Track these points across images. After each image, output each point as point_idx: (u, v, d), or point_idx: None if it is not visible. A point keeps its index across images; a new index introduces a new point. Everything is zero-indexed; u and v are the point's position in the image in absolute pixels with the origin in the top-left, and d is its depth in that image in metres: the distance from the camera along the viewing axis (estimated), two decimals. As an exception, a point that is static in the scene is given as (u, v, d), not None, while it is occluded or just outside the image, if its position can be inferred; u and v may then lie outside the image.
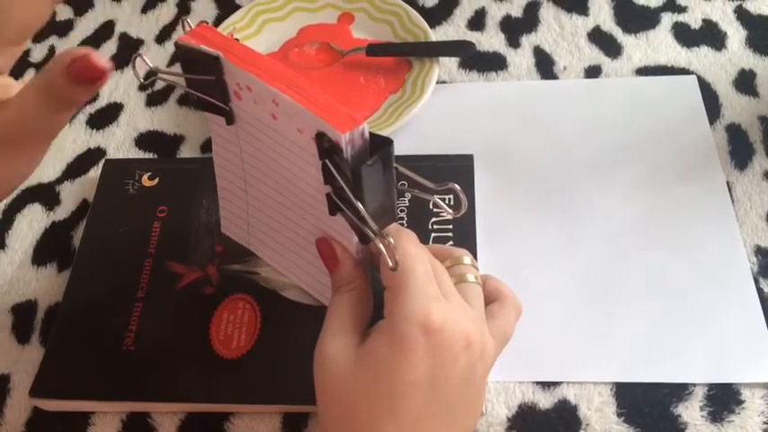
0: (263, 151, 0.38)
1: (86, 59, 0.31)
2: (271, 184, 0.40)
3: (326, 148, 0.33)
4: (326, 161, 0.34)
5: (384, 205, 0.36)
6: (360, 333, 0.37)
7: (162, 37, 0.70)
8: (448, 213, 0.39)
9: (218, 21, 0.69)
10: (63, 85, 0.31)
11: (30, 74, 0.68)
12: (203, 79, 0.36)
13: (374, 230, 0.35)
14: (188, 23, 0.36)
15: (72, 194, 0.58)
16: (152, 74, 0.36)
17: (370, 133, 0.33)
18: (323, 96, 0.33)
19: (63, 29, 0.72)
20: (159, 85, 0.65)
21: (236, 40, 0.38)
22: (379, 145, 0.33)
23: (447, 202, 0.48)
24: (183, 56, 0.36)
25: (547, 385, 0.45)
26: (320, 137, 0.33)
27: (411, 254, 0.35)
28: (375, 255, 0.35)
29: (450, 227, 0.50)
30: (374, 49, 0.63)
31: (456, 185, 0.38)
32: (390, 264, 0.35)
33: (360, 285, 0.38)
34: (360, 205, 0.34)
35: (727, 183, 0.53)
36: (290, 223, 0.41)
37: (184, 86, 0.38)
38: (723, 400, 0.44)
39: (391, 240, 0.35)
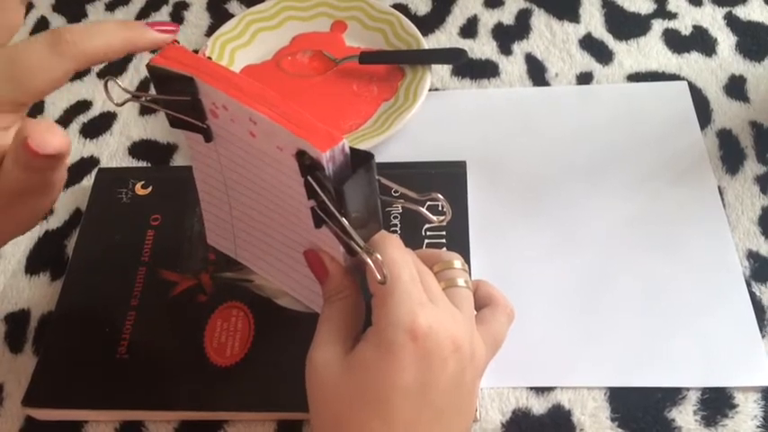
0: (244, 166, 0.38)
1: (27, 147, 0.30)
2: (254, 197, 0.40)
3: (308, 165, 0.33)
4: (309, 177, 0.34)
5: (369, 216, 0.36)
6: (351, 341, 0.37)
7: (155, 46, 0.70)
8: (431, 221, 0.39)
9: (212, 30, 0.69)
10: (19, 172, 0.31)
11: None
12: (178, 100, 0.36)
13: (360, 245, 0.35)
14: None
15: (65, 203, 0.58)
16: (128, 97, 0.37)
17: (351, 148, 0.33)
18: (301, 114, 0.32)
19: (56, 38, 0.72)
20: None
21: (209, 58, 0.37)
22: (360, 159, 0.33)
23: (440, 208, 0.48)
24: (156, 77, 0.36)
25: (541, 390, 0.45)
26: (301, 155, 0.33)
27: (396, 260, 0.35)
28: (363, 262, 0.35)
29: (444, 233, 0.50)
30: (367, 57, 0.63)
31: (440, 195, 0.38)
32: (379, 278, 0.35)
33: (350, 293, 0.38)
34: (344, 220, 0.34)
35: (719, 188, 0.53)
36: (277, 234, 0.41)
37: (159, 107, 0.38)
38: (716, 404, 0.44)
39: (378, 256, 0.35)
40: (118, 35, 0.33)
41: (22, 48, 0.31)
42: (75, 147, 0.62)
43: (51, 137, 0.31)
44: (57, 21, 0.74)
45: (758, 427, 0.43)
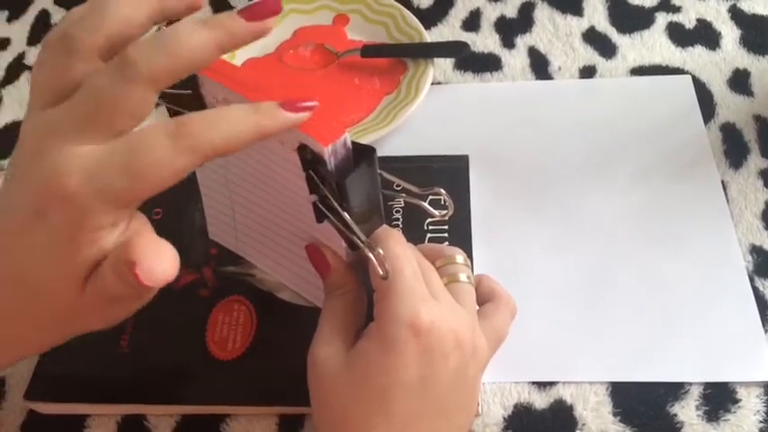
0: (245, 161, 0.38)
1: (131, 272, 0.28)
2: (255, 192, 0.40)
3: (309, 159, 0.33)
4: (310, 172, 0.33)
5: (371, 211, 0.36)
6: (352, 336, 0.37)
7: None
8: (433, 215, 0.39)
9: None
10: (118, 283, 0.29)
11: (25, 76, 0.68)
12: (179, 93, 0.36)
13: (362, 240, 0.35)
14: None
15: (67, 197, 0.58)
16: None
17: (353, 142, 0.33)
18: None
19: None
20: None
21: None
22: (362, 153, 0.33)
23: (443, 202, 0.48)
24: None
25: (543, 385, 0.45)
26: (302, 149, 0.33)
27: (398, 255, 0.35)
28: (365, 257, 0.35)
29: (446, 227, 0.50)
30: (369, 51, 0.63)
31: (442, 189, 0.38)
32: (381, 273, 0.34)
33: (352, 289, 0.38)
34: (346, 215, 0.34)
35: (722, 182, 0.53)
36: (278, 228, 0.41)
37: (161, 101, 0.37)
38: (719, 399, 0.44)
39: (380, 251, 0.35)
40: (246, 122, 0.29)
41: (140, 139, 0.28)
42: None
43: (159, 264, 0.28)
44: (59, 15, 0.74)
45: (761, 422, 0.43)
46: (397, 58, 0.63)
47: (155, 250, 0.29)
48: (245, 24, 0.30)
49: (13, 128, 0.62)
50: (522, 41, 0.65)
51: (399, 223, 0.50)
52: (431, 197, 0.39)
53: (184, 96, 0.36)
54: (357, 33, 0.66)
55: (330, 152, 0.32)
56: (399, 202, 0.51)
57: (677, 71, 0.61)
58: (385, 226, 0.38)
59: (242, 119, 0.29)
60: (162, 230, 0.51)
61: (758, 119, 0.57)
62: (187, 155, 0.28)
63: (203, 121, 0.29)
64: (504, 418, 0.44)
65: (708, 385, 0.44)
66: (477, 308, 0.40)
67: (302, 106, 0.31)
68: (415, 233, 0.49)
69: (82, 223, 0.28)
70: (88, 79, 0.29)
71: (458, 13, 0.68)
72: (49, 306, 0.31)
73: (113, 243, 0.29)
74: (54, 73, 0.30)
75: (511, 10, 0.67)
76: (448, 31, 0.66)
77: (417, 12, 0.67)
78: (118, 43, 0.30)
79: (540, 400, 0.45)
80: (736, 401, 0.43)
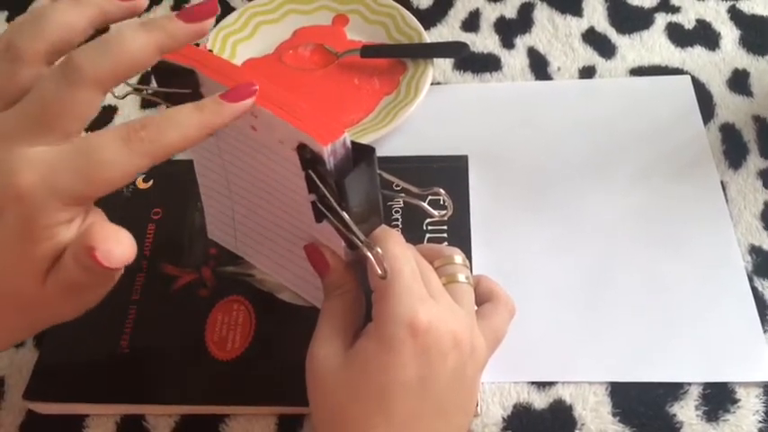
0: (245, 160, 0.38)
1: (90, 256, 0.29)
2: (255, 192, 0.40)
3: (309, 158, 0.33)
4: (309, 171, 0.33)
5: (370, 210, 0.36)
6: (351, 336, 0.37)
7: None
8: (432, 216, 0.39)
9: (213, 23, 0.69)
10: (79, 272, 0.30)
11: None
12: (180, 93, 0.36)
13: (361, 240, 0.35)
14: None
15: (66, 197, 0.58)
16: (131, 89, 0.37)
17: (352, 141, 0.33)
18: (302, 107, 0.32)
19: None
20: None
21: (210, 51, 0.37)
22: (362, 153, 0.33)
23: (442, 202, 0.48)
24: (158, 70, 0.36)
25: (542, 385, 0.45)
26: (302, 148, 0.33)
27: (397, 255, 0.35)
28: (364, 257, 0.35)
29: (445, 227, 0.50)
30: (369, 51, 0.63)
31: (441, 190, 0.38)
32: (379, 272, 0.35)
33: (351, 289, 0.38)
34: (345, 215, 0.34)
35: (722, 182, 0.53)
36: (278, 228, 0.41)
37: (161, 101, 0.37)
38: (718, 399, 0.44)
39: (379, 250, 0.35)
40: (192, 122, 0.31)
41: (94, 141, 0.30)
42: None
43: (117, 247, 0.29)
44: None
45: (760, 422, 0.43)
46: (396, 59, 0.63)
47: (112, 235, 0.30)
48: (184, 26, 0.32)
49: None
50: (522, 42, 0.65)
51: (398, 223, 0.51)
52: (430, 197, 0.39)
53: (184, 95, 0.36)
54: (357, 34, 0.66)
55: (329, 152, 0.32)
56: (398, 203, 0.51)
57: (677, 71, 0.61)
58: (384, 226, 0.38)
59: (187, 120, 0.31)
60: (162, 230, 0.52)
61: (757, 119, 0.57)
62: (139, 158, 0.30)
63: (153, 125, 0.30)
64: (504, 418, 0.44)
65: (707, 385, 0.44)
66: (476, 308, 0.40)
67: (244, 93, 0.32)
68: (414, 233, 0.49)
69: (37, 220, 0.29)
70: (36, 84, 0.30)
71: (457, 14, 0.68)
72: (11, 300, 0.32)
73: (70, 237, 0.30)
74: (1, 80, 0.31)
75: (510, 10, 0.67)
76: (447, 31, 0.67)
77: (417, 12, 0.67)
78: (61, 48, 0.31)
79: (540, 401, 0.45)
80: (735, 402, 0.43)
